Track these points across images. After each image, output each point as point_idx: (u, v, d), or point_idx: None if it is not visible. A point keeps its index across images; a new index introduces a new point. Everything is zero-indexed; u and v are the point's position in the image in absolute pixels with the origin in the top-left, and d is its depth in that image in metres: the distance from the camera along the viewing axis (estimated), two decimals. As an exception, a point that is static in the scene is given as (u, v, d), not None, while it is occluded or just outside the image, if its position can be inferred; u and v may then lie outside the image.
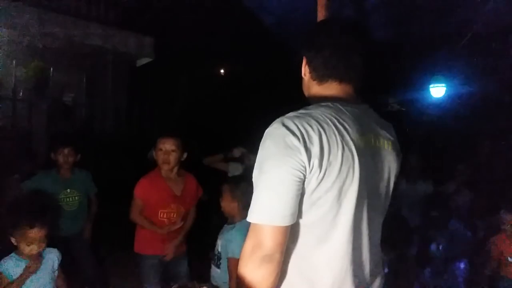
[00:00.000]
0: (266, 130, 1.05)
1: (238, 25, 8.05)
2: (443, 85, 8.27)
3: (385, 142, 1.19)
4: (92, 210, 3.31)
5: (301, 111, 1.08)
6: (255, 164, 1.05)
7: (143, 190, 2.61)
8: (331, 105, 1.10)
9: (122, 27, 6.64)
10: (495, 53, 6.65)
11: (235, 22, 8.05)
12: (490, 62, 6.89)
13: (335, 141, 1.02)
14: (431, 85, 8.39)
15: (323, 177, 1.01)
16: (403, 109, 10.24)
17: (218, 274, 2.28)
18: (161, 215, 2.60)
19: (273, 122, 1.05)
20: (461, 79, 7.89)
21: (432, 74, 8.30)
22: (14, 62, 5.74)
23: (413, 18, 7.07)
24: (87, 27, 6.16)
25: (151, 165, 2.73)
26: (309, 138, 1.00)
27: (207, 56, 8.35)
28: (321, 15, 2.04)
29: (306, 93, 1.26)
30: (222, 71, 10.73)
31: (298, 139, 0.99)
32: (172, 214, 2.62)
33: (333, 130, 1.03)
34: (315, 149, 1.00)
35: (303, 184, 1.01)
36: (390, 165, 1.20)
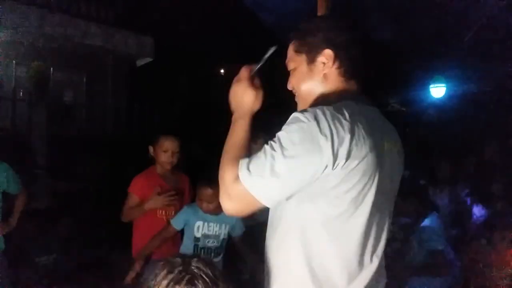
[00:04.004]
0: (297, 115, 1.01)
1: (238, 25, 8.05)
2: (443, 85, 8.28)
3: (394, 145, 1.17)
4: (16, 208, 2.82)
5: (334, 107, 1.02)
6: (277, 135, 1.01)
7: (140, 188, 2.56)
8: (358, 105, 1.08)
9: (122, 27, 6.64)
10: (496, 53, 6.65)
11: (235, 22, 8.05)
12: (490, 62, 6.89)
13: (362, 143, 1.00)
14: (431, 85, 8.40)
15: (346, 178, 1.00)
16: (403, 109, 10.23)
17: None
18: (160, 213, 2.57)
19: (306, 111, 1.01)
20: (461, 79, 7.89)
21: (432, 74, 8.30)
22: (14, 62, 5.74)
23: (413, 18, 7.06)
24: (87, 27, 6.16)
25: (152, 165, 2.71)
26: (338, 139, 0.97)
27: (207, 56, 8.34)
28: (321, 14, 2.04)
29: (318, 92, 1.16)
30: (222, 71, 10.72)
31: (327, 138, 0.96)
32: (170, 212, 2.59)
33: (362, 132, 1.00)
34: (342, 151, 0.97)
35: (316, 179, 0.99)
36: (398, 168, 1.19)
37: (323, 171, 0.98)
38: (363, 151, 0.99)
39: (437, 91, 8.39)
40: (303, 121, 0.98)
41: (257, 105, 1.18)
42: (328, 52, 1.13)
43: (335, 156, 0.96)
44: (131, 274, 2.30)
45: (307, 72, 1.17)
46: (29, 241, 3.92)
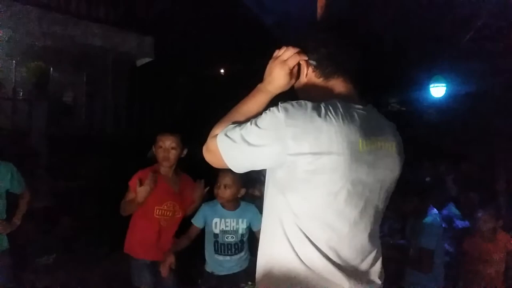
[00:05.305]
0: (280, 103, 1.08)
1: (238, 25, 8.05)
2: (443, 85, 8.28)
3: (390, 144, 1.17)
4: (19, 207, 2.82)
5: (313, 104, 1.06)
6: (262, 113, 1.10)
7: (136, 183, 2.50)
8: (341, 104, 1.08)
9: (122, 27, 6.64)
10: (496, 53, 6.65)
11: (235, 22, 8.05)
12: (491, 62, 6.89)
13: (333, 141, 1.01)
14: (431, 85, 8.40)
15: (313, 174, 1.02)
16: (403, 109, 10.24)
17: (236, 260, 2.41)
18: (157, 212, 2.56)
19: (283, 103, 1.07)
20: (461, 79, 7.89)
21: (432, 74, 8.30)
22: (14, 62, 5.75)
23: (413, 17, 7.06)
24: (87, 27, 6.17)
25: (151, 165, 2.71)
26: (303, 133, 1.01)
27: (207, 56, 8.35)
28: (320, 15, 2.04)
29: (305, 96, 1.20)
30: (222, 71, 10.73)
31: (287, 130, 1.02)
32: (167, 212, 2.59)
33: (336, 130, 1.02)
34: (305, 146, 1.01)
35: (279, 166, 1.07)
36: (394, 167, 1.18)
37: (284, 160, 1.04)
38: (332, 149, 1.01)
39: (437, 91, 8.39)
40: (277, 110, 1.06)
41: (283, 89, 1.23)
42: (303, 61, 1.20)
43: (295, 148, 1.01)
44: (165, 267, 2.33)
45: (298, 81, 1.25)
46: (29, 241, 3.92)
